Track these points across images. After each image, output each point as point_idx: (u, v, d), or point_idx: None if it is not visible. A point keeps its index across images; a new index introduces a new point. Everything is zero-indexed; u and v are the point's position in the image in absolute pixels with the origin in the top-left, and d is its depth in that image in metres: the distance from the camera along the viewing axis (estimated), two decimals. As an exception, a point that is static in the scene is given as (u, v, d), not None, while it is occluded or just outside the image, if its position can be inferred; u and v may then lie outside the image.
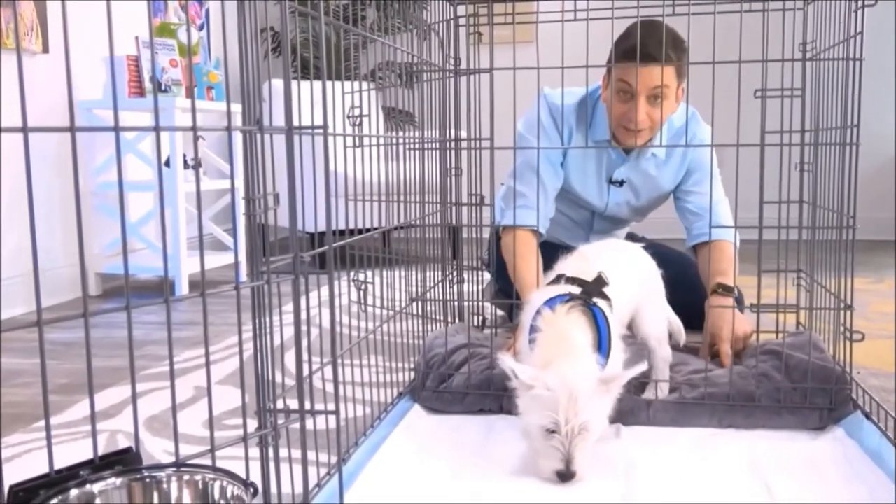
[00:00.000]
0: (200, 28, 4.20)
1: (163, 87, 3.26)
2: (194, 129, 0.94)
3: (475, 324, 2.21)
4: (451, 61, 2.08)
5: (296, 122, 1.04)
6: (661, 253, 1.86)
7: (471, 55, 1.94)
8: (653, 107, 1.98)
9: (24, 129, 0.80)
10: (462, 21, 2.04)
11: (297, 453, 1.11)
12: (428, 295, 2.05)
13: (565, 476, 1.32)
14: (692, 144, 2.15)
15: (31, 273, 2.95)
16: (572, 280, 1.56)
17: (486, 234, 2.40)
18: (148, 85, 3.23)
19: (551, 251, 1.85)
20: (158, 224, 3.60)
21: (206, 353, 1.01)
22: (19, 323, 2.34)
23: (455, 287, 2.21)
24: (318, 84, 2.54)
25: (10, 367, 2.22)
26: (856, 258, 1.59)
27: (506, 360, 1.36)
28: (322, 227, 3.41)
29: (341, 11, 2.36)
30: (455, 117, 2.13)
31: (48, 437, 0.90)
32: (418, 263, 2.02)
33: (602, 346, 1.46)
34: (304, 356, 1.07)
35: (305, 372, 1.09)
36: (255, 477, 1.03)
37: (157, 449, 1.57)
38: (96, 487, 0.96)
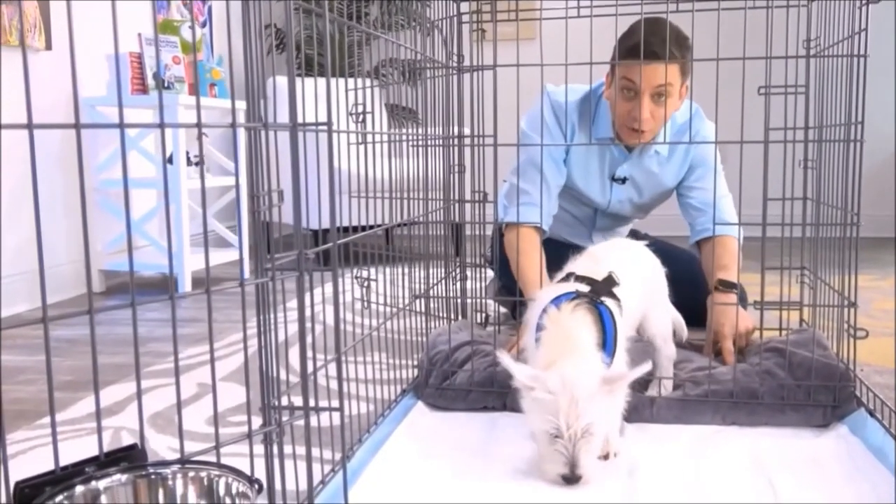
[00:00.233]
0: (203, 25, 4.20)
1: (166, 84, 3.26)
2: (199, 125, 0.94)
3: (478, 321, 2.21)
4: (455, 58, 2.08)
5: (300, 119, 1.04)
6: (664, 250, 1.86)
7: (474, 52, 1.94)
8: (657, 105, 1.98)
9: (30, 126, 0.80)
10: (465, 18, 2.04)
11: (301, 450, 1.11)
12: (431, 292, 2.05)
13: (570, 480, 1.32)
14: (696, 142, 2.15)
15: (35, 270, 2.95)
16: (582, 279, 1.56)
17: (490, 231, 2.40)
18: (150, 82, 3.23)
19: (554, 248, 1.85)
20: (161, 221, 3.60)
21: (211, 350, 1.01)
22: (24, 320, 2.34)
23: (458, 284, 2.21)
24: (321, 81, 2.53)
25: (14, 364, 2.22)
26: (859, 255, 1.59)
27: (505, 360, 1.35)
28: (325, 223, 3.41)
29: (344, 8, 2.36)
30: (458, 114, 2.13)
31: (53, 434, 0.90)
32: (421, 260, 2.02)
33: (608, 344, 1.45)
34: (308, 353, 1.07)
35: (310, 369, 1.09)
36: (260, 474, 1.03)
37: (161, 446, 1.57)
38: (102, 484, 0.96)
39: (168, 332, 2.57)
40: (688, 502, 1.28)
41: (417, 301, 2.00)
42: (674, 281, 1.77)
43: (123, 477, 0.97)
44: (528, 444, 1.51)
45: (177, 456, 1.02)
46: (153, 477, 0.99)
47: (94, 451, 0.97)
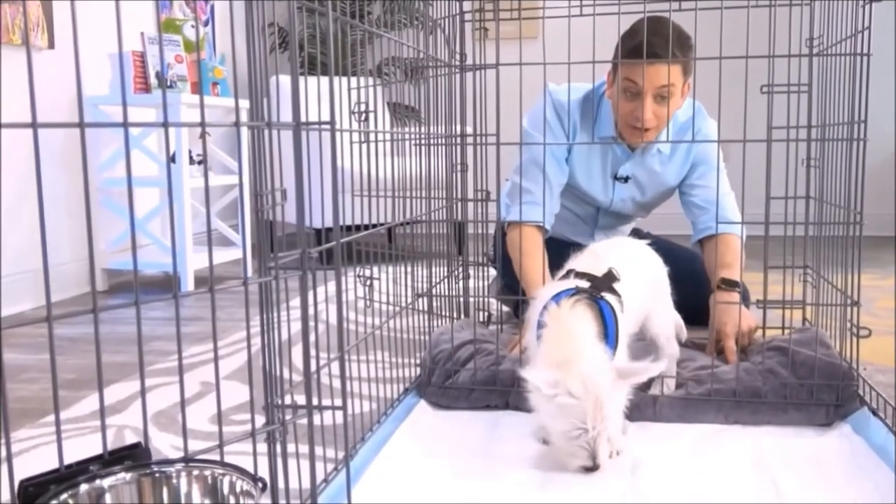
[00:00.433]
0: (205, 24, 4.20)
1: (169, 83, 3.26)
2: (202, 124, 0.94)
3: (481, 320, 2.21)
4: (457, 57, 2.08)
5: (303, 118, 1.04)
6: (666, 249, 1.86)
7: (476, 51, 1.94)
8: (659, 105, 1.99)
9: (34, 125, 0.80)
10: (468, 16, 2.04)
11: (304, 448, 1.12)
12: (434, 291, 2.05)
13: (592, 469, 1.35)
14: (698, 140, 2.15)
15: (38, 269, 2.96)
16: (582, 275, 1.56)
17: (492, 229, 2.40)
18: (153, 81, 3.23)
19: (556, 247, 1.85)
20: (164, 220, 3.60)
21: (215, 349, 1.01)
22: (28, 319, 2.35)
23: (461, 283, 2.21)
24: (324, 80, 2.54)
25: (17, 363, 2.22)
26: (862, 254, 1.59)
27: (530, 374, 1.35)
28: (329, 222, 3.42)
29: (347, 7, 2.36)
30: (461, 113, 2.13)
31: (58, 433, 0.90)
32: (424, 259, 2.02)
33: (609, 338, 1.46)
34: (312, 352, 1.07)
35: (313, 367, 1.10)
36: (263, 472, 1.03)
37: (164, 444, 1.57)
38: (106, 482, 0.96)
39: (171, 330, 2.58)
40: (690, 501, 1.28)
41: (420, 300, 2.00)
42: (676, 280, 1.77)
43: (128, 475, 0.98)
44: (531, 442, 1.52)
45: (180, 454, 1.03)
46: (157, 475, 0.99)
47: (98, 450, 0.97)
